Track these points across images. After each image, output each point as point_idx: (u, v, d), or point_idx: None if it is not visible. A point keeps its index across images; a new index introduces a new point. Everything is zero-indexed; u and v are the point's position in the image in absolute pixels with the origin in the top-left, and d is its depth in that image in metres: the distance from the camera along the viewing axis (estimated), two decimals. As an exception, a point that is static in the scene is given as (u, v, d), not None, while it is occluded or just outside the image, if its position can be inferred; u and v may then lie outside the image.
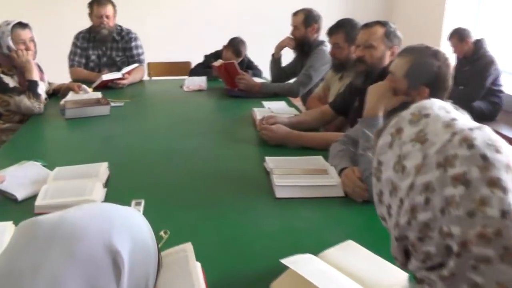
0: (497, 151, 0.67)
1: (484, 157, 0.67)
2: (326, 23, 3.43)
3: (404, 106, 1.67)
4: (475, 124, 0.72)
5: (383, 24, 2.24)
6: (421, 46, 1.74)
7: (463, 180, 0.67)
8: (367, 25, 2.27)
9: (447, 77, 1.70)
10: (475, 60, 4.38)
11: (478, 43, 4.43)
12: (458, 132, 0.70)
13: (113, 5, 3.63)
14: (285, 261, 1.18)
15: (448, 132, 0.71)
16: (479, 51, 4.37)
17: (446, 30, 5.00)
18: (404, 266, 0.80)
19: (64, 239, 0.65)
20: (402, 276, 1.21)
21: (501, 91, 4.37)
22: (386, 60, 2.26)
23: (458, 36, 4.48)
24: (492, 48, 4.46)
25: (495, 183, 0.65)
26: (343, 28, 2.75)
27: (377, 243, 1.37)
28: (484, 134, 0.70)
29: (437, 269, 0.71)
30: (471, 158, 0.67)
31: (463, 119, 0.74)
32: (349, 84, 2.57)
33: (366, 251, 1.32)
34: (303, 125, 2.49)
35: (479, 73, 4.30)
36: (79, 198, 1.58)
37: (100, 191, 1.66)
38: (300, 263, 1.17)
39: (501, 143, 0.69)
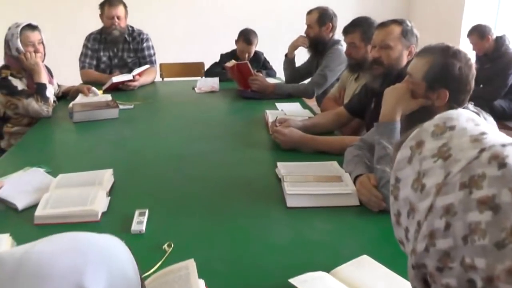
0: None
1: None
2: (341, 22, 3.35)
3: (423, 110, 1.61)
4: (509, 139, 0.62)
5: (399, 22, 2.14)
6: (441, 45, 1.63)
7: (491, 204, 0.56)
8: (383, 24, 2.17)
9: (468, 79, 1.58)
10: (496, 58, 4.25)
11: (500, 40, 4.31)
12: (488, 149, 0.60)
13: (125, 6, 3.58)
14: (294, 281, 1.10)
15: (475, 148, 0.61)
16: (501, 49, 4.25)
17: (466, 27, 4.86)
18: None
19: (28, 279, 0.56)
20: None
21: (523, 89, 4.25)
22: (404, 61, 2.16)
23: (478, 33, 4.34)
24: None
25: None
26: (360, 27, 2.65)
27: (394, 258, 1.29)
28: None
29: None
30: (501, 179, 0.57)
31: (494, 133, 0.64)
32: (365, 85, 2.48)
33: (383, 267, 1.23)
34: (318, 128, 2.41)
35: (501, 71, 4.17)
36: (81, 208, 1.52)
37: (103, 200, 1.60)
38: (310, 284, 1.09)
39: None
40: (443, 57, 1.58)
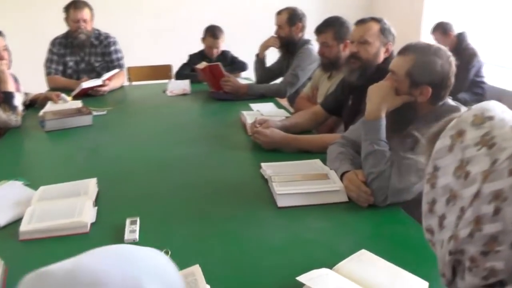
0: None
1: None
2: (309, 22, 3.40)
3: (406, 106, 1.65)
4: None
5: (377, 20, 2.21)
6: (423, 43, 1.69)
7: None
8: (362, 21, 2.22)
9: (449, 75, 1.65)
10: (458, 53, 4.35)
11: (461, 36, 4.48)
12: None
13: (90, 9, 3.49)
14: (302, 278, 1.11)
15: None
16: (462, 44, 4.41)
17: (426, 24, 5.04)
18: (449, 285, 0.72)
19: (87, 286, 0.54)
20: (422, 285, 1.15)
21: (483, 82, 4.44)
22: (381, 57, 2.22)
23: (441, 29, 4.52)
24: (473, 41, 4.52)
25: None
26: (332, 27, 2.69)
27: (390, 251, 1.33)
28: None
29: (501, 286, 0.64)
30: None
31: None
32: (341, 83, 2.52)
33: (382, 260, 1.26)
34: (296, 127, 2.43)
35: (463, 66, 4.32)
36: (69, 220, 1.48)
37: (90, 211, 1.56)
38: (317, 280, 1.10)
39: None
40: (425, 55, 1.63)
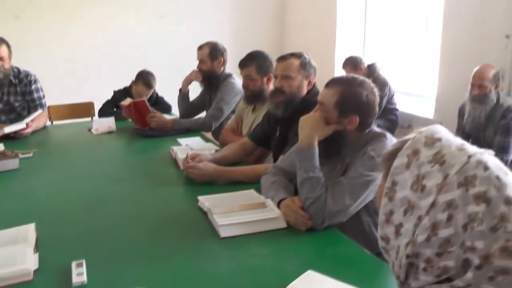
0: (506, 173, 0.77)
1: (498, 178, 0.75)
2: (230, 56, 3.52)
3: (336, 134, 1.78)
4: (479, 149, 0.81)
5: (298, 56, 2.34)
6: (348, 76, 1.85)
7: (484, 198, 0.74)
8: (283, 58, 2.35)
9: (374, 104, 1.81)
10: (370, 83, 4.66)
11: (371, 68, 4.72)
12: (473, 155, 0.78)
13: (8, 46, 3.28)
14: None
15: (464, 155, 0.78)
16: (373, 75, 4.60)
17: (339, 59, 5.26)
18: (402, 285, 0.83)
19: None
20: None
21: (396, 109, 4.71)
22: (304, 89, 2.36)
23: (352, 64, 4.71)
24: (383, 71, 4.80)
25: (511, 201, 0.73)
26: (255, 61, 2.81)
27: (333, 269, 1.44)
28: (491, 158, 0.79)
29: (448, 281, 0.76)
30: (488, 179, 0.75)
31: (467, 144, 0.82)
32: (267, 115, 2.62)
33: (329, 279, 1.35)
34: (226, 159, 2.51)
35: (375, 95, 4.59)
36: (11, 269, 1.43)
37: (32, 258, 1.51)
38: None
39: (504, 167, 0.79)
40: (351, 86, 1.78)
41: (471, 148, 0.80)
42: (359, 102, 1.78)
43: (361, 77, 1.83)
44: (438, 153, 0.80)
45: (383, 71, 4.80)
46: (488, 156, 0.79)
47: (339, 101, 1.78)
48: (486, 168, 0.76)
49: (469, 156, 0.78)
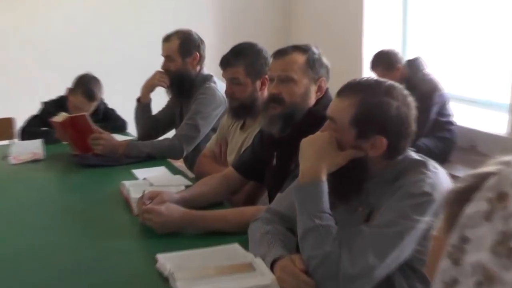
0: None
1: None
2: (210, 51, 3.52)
3: (354, 163, 1.75)
4: None
5: (303, 50, 2.32)
6: (369, 80, 1.82)
7: None
8: (281, 52, 2.34)
9: (408, 119, 1.78)
10: (412, 88, 4.60)
11: (413, 65, 4.71)
12: None
13: None
14: None
15: None
16: (416, 76, 4.61)
17: (367, 56, 5.16)
18: None
19: None
20: None
21: (451, 123, 4.65)
22: (312, 98, 2.35)
23: (384, 62, 4.71)
24: (431, 69, 4.75)
25: None
26: (244, 57, 2.79)
27: None
28: None
29: None
30: None
31: None
32: (259, 135, 2.61)
33: None
34: (201, 199, 2.50)
35: (420, 103, 4.52)
36: None
37: None
38: None
39: None
40: (374, 95, 1.76)
41: None
42: (385, 118, 1.75)
43: (389, 81, 1.81)
44: None
45: (431, 70, 4.79)
46: None
47: (357, 117, 1.75)
48: None
49: None
